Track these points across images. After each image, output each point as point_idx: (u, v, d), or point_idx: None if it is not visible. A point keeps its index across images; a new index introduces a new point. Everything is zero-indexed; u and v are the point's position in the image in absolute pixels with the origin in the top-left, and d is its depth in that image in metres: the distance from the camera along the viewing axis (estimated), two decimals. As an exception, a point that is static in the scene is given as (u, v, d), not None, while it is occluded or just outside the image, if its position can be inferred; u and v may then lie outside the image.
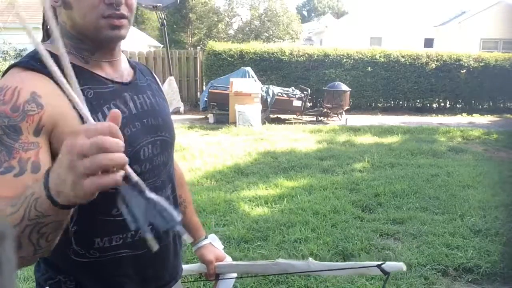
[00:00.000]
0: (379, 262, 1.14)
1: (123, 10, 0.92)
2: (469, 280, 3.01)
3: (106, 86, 0.95)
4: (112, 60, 1.00)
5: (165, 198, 0.98)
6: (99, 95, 0.93)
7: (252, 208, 4.28)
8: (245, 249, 3.33)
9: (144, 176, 0.97)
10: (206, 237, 1.33)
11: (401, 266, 1.11)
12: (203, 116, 11.14)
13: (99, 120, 0.89)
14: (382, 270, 1.11)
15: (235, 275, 1.19)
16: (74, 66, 0.85)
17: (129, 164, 0.78)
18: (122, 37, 0.95)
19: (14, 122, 0.81)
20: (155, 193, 0.91)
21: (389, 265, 1.12)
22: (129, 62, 1.09)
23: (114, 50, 1.00)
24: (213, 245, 1.32)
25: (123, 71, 1.03)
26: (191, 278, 2.27)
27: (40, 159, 0.82)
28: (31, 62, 0.88)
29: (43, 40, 1.02)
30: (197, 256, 1.32)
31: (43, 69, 0.85)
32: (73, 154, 0.63)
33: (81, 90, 0.80)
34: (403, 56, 12.90)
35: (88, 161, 0.62)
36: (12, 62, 6.73)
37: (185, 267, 1.28)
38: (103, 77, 0.96)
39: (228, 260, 1.25)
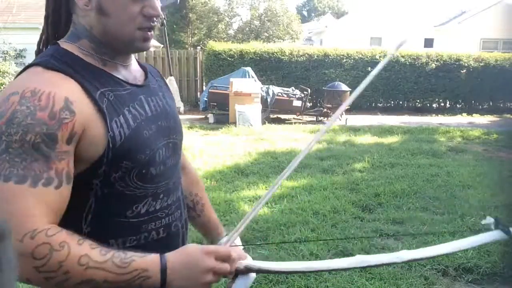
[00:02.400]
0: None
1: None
2: (469, 280, 3.01)
3: (123, 88, 0.95)
4: (127, 63, 1.01)
5: (176, 200, 1.03)
6: (118, 97, 0.92)
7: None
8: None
9: (158, 178, 0.97)
10: (226, 235, 1.30)
11: None
12: (203, 116, 11.14)
13: (121, 124, 0.89)
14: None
15: (254, 274, 1.18)
16: (93, 67, 0.90)
17: (146, 167, 0.93)
18: (148, 49, 0.97)
19: (51, 130, 0.80)
20: (168, 196, 1.00)
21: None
22: (139, 63, 1.09)
23: (130, 55, 1.02)
24: (234, 243, 1.30)
25: (136, 73, 1.03)
26: None
27: (70, 169, 0.84)
28: (53, 62, 0.87)
29: (46, 35, 1.03)
30: None
31: (67, 70, 0.86)
32: (209, 273, 0.87)
33: (102, 92, 0.88)
34: (403, 56, 12.90)
35: (216, 278, 0.89)
36: (12, 62, 6.72)
37: None
38: (121, 79, 0.96)
39: (249, 259, 1.23)
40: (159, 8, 0.94)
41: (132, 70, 1.02)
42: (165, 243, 1.00)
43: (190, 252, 0.87)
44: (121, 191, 0.92)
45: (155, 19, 0.93)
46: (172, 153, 1.03)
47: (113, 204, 0.92)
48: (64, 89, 0.83)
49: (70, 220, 0.87)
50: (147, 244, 0.97)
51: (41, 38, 1.04)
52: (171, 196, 1.03)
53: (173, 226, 1.04)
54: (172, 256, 0.86)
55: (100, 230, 0.92)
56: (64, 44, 0.93)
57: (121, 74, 0.97)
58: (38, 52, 1.02)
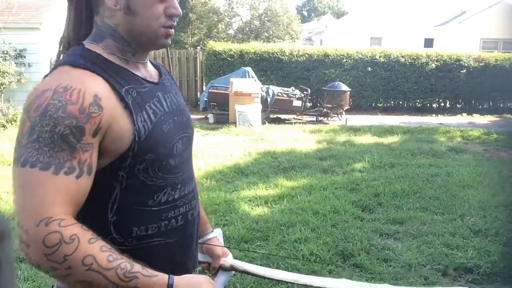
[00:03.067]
0: None
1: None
2: (469, 280, 3.01)
3: (143, 86, 1.01)
4: (145, 62, 1.08)
5: (191, 190, 1.10)
6: (140, 94, 0.99)
7: (252, 208, 4.28)
8: (245, 249, 3.33)
9: (176, 169, 1.04)
10: (212, 231, 1.36)
11: None
12: (203, 116, 11.14)
13: (144, 119, 0.96)
14: None
15: (232, 272, 1.27)
16: (116, 66, 0.99)
17: (166, 159, 1.00)
18: (169, 45, 1.06)
19: (80, 123, 0.86)
20: (184, 186, 1.06)
21: None
22: (151, 63, 1.15)
23: (148, 54, 1.09)
24: (218, 239, 1.36)
25: (151, 72, 1.10)
26: None
27: (93, 160, 0.89)
28: (81, 61, 0.93)
29: (67, 38, 1.06)
30: (203, 248, 1.34)
31: (94, 68, 0.93)
32: None
33: (127, 89, 0.96)
34: (403, 56, 12.89)
35: None
36: (12, 62, 6.71)
37: None
38: (140, 77, 1.02)
39: (230, 257, 1.32)
40: (179, 8, 1.03)
41: (148, 69, 1.09)
42: (183, 230, 1.08)
43: (195, 277, 0.97)
44: (144, 181, 0.98)
45: (175, 18, 1.02)
46: (187, 146, 1.11)
47: (136, 194, 0.98)
48: (93, 86, 0.90)
49: (96, 209, 0.95)
50: (167, 232, 1.03)
51: (61, 41, 1.07)
52: (187, 186, 1.09)
53: (190, 215, 1.10)
54: (178, 279, 0.92)
55: (124, 218, 0.98)
56: (88, 44, 0.99)
57: (141, 72, 1.04)
58: (59, 53, 1.06)
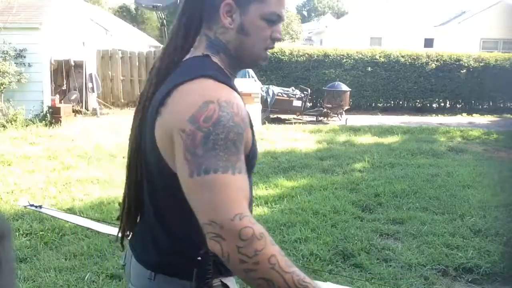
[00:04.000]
0: None
1: None
2: (469, 280, 3.01)
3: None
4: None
5: None
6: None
7: (252, 208, 4.28)
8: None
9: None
10: None
11: None
12: (203, 116, 11.12)
13: (253, 134, 1.10)
14: None
15: None
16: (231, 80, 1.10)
17: (254, 164, 1.13)
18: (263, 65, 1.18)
19: (242, 131, 0.97)
20: None
21: None
22: None
23: None
24: None
25: None
26: None
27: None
28: (221, 77, 1.02)
29: (175, 45, 1.11)
30: None
31: (232, 85, 1.03)
32: None
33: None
34: (403, 56, 12.89)
35: None
36: (12, 62, 6.69)
37: None
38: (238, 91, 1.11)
39: None
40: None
41: None
42: None
43: None
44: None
45: (278, 42, 1.13)
46: None
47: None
48: (241, 101, 1.02)
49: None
50: None
51: (167, 48, 1.12)
52: None
53: None
54: None
55: None
56: (212, 57, 1.07)
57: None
58: (167, 59, 1.10)
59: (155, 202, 1.10)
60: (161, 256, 1.09)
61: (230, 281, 1.13)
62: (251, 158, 1.07)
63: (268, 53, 1.12)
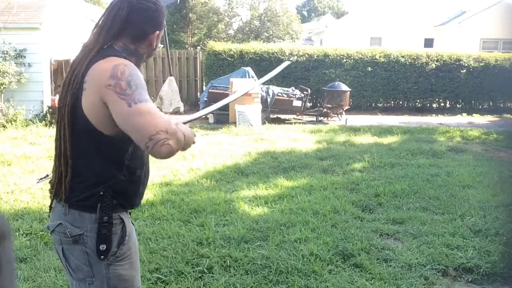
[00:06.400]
0: None
1: None
2: (469, 280, 3.01)
3: None
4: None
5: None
6: None
7: (252, 208, 4.28)
8: (245, 249, 3.33)
9: None
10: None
11: None
12: (203, 116, 11.13)
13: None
14: None
15: None
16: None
17: None
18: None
19: (143, 80, 1.48)
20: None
21: None
22: None
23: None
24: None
25: None
26: None
27: None
28: (124, 55, 1.53)
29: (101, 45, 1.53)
30: None
31: (130, 59, 1.57)
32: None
33: None
34: (403, 56, 12.89)
35: None
36: (12, 62, 6.71)
37: None
38: None
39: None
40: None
41: None
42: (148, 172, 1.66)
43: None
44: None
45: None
46: None
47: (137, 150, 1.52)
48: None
49: (119, 156, 1.49)
50: (145, 174, 1.63)
51: (94, 45, 1.51)
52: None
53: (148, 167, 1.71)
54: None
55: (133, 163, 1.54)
56: (119, 50, 1.50)
57: None
58: (97, 50, 1.48)
59: (73, 156, 1.47)
60: (73, 192, 1.48)
61: (126, 217, 1.56)
62: None
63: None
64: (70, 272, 1.54)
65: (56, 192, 1.54)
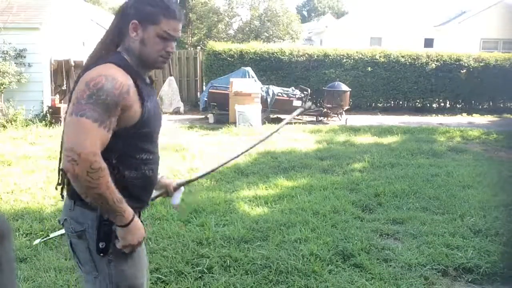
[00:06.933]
0: None
1: None
2: (469, 280, 3.01)
3: (148, 86, 1.69)
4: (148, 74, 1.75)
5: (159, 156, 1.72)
6: (145, 90, 1.60)
7: (252, 208, 4.28)
8: (245, 249, 3.33)
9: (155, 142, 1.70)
10: (160, 174, 1.92)
11: None
12: (203, 116, 11.14)
13: (148, 106, 1.58)
14: None
15: (182, 188, 1.99)
16: (136, 71, 1.56)
17: (148, 131, 1.63)
18: (162, 68, 1.91)
19: (117, 100, 1.47)
20: (157, 154, 1.72)
21: None
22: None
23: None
24: (164, 177, 1.95)
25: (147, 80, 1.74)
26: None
27: (114, 123, 1.54)
28: (123, 65, 1.53)
29: (103, 50, 1.60)
30: (157, 186, 1.88)
31: (133, 74, 1.54)
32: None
33: (140, 86, 1.58)
34: (403, 56, 12.89)
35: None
36: (12, 62, 6.72)
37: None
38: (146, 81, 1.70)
39: (176, 181, 1.99)
40: (174, 48, 1.61)
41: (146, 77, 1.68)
42: (152, 177, 1.68)
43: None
44: (137, 143, 1.62)
45: (171, 54, 1.62)
46: (159, 129, 1.74)
47: (131, 150, 1.58)
48: (128, 82, 1.49)
49: (108, 155, 1.47)
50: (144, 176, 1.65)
51: (99, 45, 1.61)
52: (157, 153, 1.72)
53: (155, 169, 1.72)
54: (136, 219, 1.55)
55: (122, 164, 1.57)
56: (122, 53, 1.57)
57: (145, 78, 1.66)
58: (96, 53, 1.59)
59: None
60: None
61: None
62: (140, 126, 1.53)
63: (165, 61, 1.60)
64: (78, 264, 1.61)
65: (63, 186, 1.60)
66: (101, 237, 1.52)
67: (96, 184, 1.37)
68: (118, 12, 1.60)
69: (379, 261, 3.22)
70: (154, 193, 1.92)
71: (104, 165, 1.39)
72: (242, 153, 2.23)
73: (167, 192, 1.95)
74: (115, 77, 1.43)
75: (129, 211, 1.48)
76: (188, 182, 2.03)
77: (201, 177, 2.26)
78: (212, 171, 2.20)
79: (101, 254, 1.52)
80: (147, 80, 1.65)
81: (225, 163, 2.20)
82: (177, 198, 1.97)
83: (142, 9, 1.54)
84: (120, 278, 1.56)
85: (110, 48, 1.57)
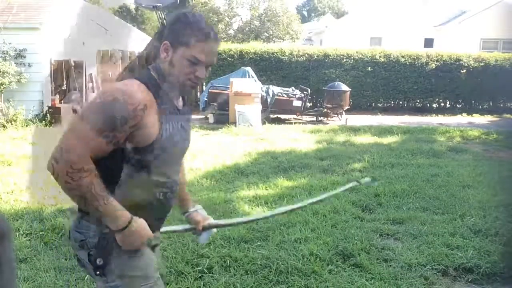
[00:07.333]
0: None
1: None
2: (469, 280, 3.01)
3: (172, 109, 1.63)
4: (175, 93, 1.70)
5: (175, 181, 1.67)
6: (168, 112, 1.58)
7: (252, 208, 4.28)
8: (245, 249, 3.32)
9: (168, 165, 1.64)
10: (194, 206, 1.90)
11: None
12: (203, 116, 11.14)
13: (166, 128, 1.55)
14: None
15: (215, 230, 1.92)
16: (162, 91, 1.54)
17: (165, 157, 1.59)
18: (191, 94, 1.78)
19: (127, 116, 1.43)
20: (170, 177, 1.63)
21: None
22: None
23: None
24: (199, 212, 1.89)
25: (180, 101, 1.70)
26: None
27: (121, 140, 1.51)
28: (148, 83, 1.53)
29: (138, 64, 1.63)
30: (187, 220, 1.88)
31: (156, 93, 1.51)
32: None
33: (163, 107, 1.54)
34: (403, 56, 12.89)
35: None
36: (12, 62, 6.73)
37: (172, 227, 1.96)
38: (173, 103, 1.65)
39: (210, 219, 1.90)
40: (205, 75, 1.56)
41: (179, 99, 1.65)
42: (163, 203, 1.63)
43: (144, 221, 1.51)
44: (149, 165, 1.57)
45: (200, 79, 1.56)
46: (180, 157, 1.79)
47: (137, 172, 1.52)
48: (146, 102, 1.45)
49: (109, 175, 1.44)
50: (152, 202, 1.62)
51: (131, 64, 1.65)
52: (173, 177, 1.67)
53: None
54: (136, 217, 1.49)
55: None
56: (152, 71, 1.56)
57: (174, 99, 1.61)
58: (131, 67, 1.63)
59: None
60: None
61: None
62: (155, 147, 1.48)
63: (193, 85, 1.56)
64: (91, 275, 1.60)
65: None
66: (99, 252, 1.47)
67: (76, 185, 1.34)
68: (157, 32, 1.62)
69: (379, 261, 3.22)
70: (182, 226, 1.92)
71: (89, 167, 1.35)
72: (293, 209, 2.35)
73: (196, 229, 1.87)
74: (133, 93, 1.42)
75: (124, 215, 1.43)
76: (219, 226, 1.97)
77: (233, 224, 2.26)
78: (245, 222, 2.23)
79: (97, 273, 1.48)
80: (178, 103, 1.62)
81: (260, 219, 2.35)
82: (204, 238, 1.90)
83: (175, 31, 1.52)
84: (131, 269, 1.54)
85: (142, 65, 1.60)
